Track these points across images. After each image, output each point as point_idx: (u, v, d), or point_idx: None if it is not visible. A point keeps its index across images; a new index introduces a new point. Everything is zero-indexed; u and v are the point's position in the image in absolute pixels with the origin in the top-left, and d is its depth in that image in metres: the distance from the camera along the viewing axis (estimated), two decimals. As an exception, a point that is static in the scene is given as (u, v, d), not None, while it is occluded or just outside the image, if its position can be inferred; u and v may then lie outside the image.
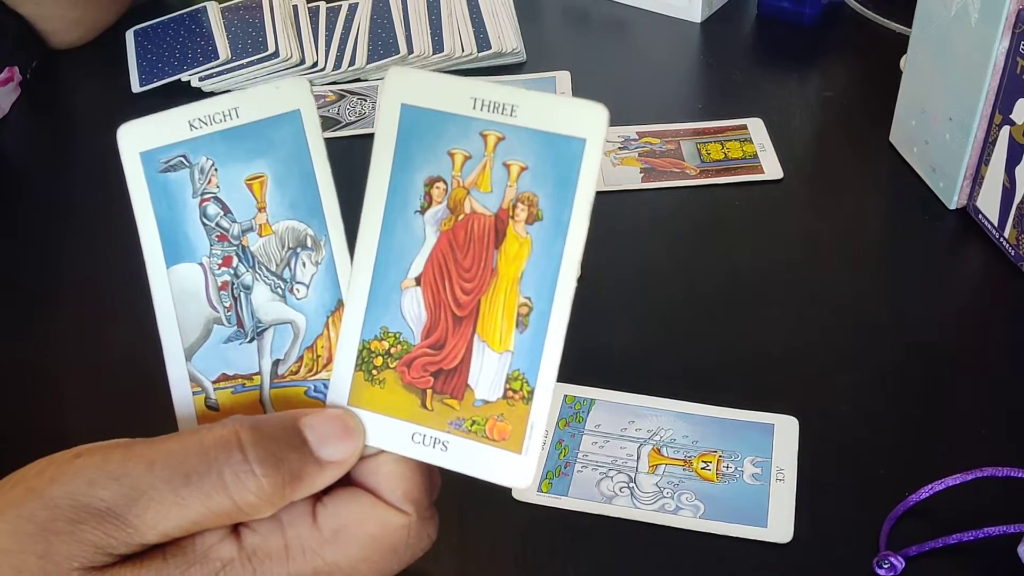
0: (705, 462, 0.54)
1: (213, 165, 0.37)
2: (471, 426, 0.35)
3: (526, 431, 0.34)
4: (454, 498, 0.52)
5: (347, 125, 0.80)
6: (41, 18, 0.89)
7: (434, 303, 0.35)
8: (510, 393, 0.35)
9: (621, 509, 0.52)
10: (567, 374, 0.61)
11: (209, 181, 0.37)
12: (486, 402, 0.35)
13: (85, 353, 0.64)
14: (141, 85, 0.87)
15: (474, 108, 0.34)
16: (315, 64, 0.87)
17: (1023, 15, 0.59)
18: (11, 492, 0.33)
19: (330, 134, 0.79)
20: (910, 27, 0.70)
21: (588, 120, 0.33)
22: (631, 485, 0.53)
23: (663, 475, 0.53)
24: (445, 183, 0.35)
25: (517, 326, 0.34)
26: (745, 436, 0.55)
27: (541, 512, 0.52)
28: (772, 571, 0.50)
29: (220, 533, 0.34)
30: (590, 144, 0.33)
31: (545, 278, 0.34)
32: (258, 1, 0.93)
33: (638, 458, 0.54)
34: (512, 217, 0.34)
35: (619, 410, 0.57)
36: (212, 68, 0.86)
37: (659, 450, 0.55)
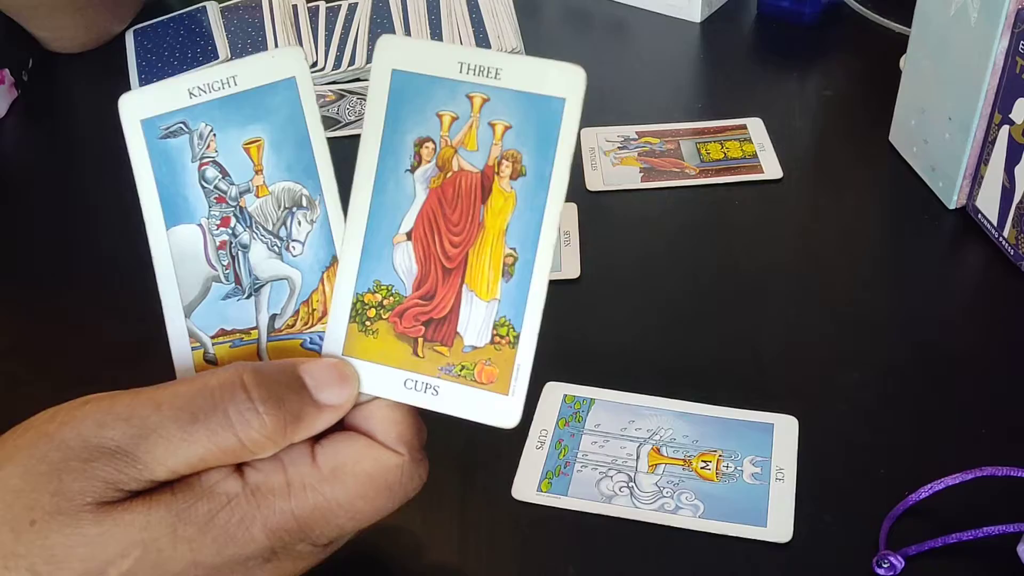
0: (705, 462, 0.54)
1: (212, 131, 0.38)
2: (460, 371, 0.37)
3: (512, 373, 0.36)
4: (454, 497, 0.53)
5: (347, 125, 0.80)
6: (38, 30, 0.89)
7: (424, 256, 0.37)
8: (497, 339, 0.36)
9: (621, 509, 0.52)
10: (567, 374, 0.62)
11: (208, 146, 0.38)
12: (474, 348, 0.37)
13: (84, 350, 0.64)
14: (141, 85, 0.87)
15: (460, 71, 0.35)
16: (315, 64, 0.87)
17: (1023, 15, 0.59)
18: (22, 437, 0.34)
19: (330, 134, 0.79)
20: (910, 27, 0.70)
21: (567, 81, 0.35)
22: (631, 485, 0.53)
23: (663, 475, 0.53)
24: (434, 143, 0.36)
25: (503, 275, 0.36)
26: (745, 436, 0.55)
27: (541, 512, 0.52)
28: (772, 571, 0.50)
29: (225, 471, 0.36)
30: (569, 103, 0.35)
31: (529, 229, 0.36)
32: (258, 1, 0.93)
33: (638, 458, 0.54)
34: (497, 173, 0.36)
35: (619, 410, 0.57)
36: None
37: (659, 450, 0.55)
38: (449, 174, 0.36)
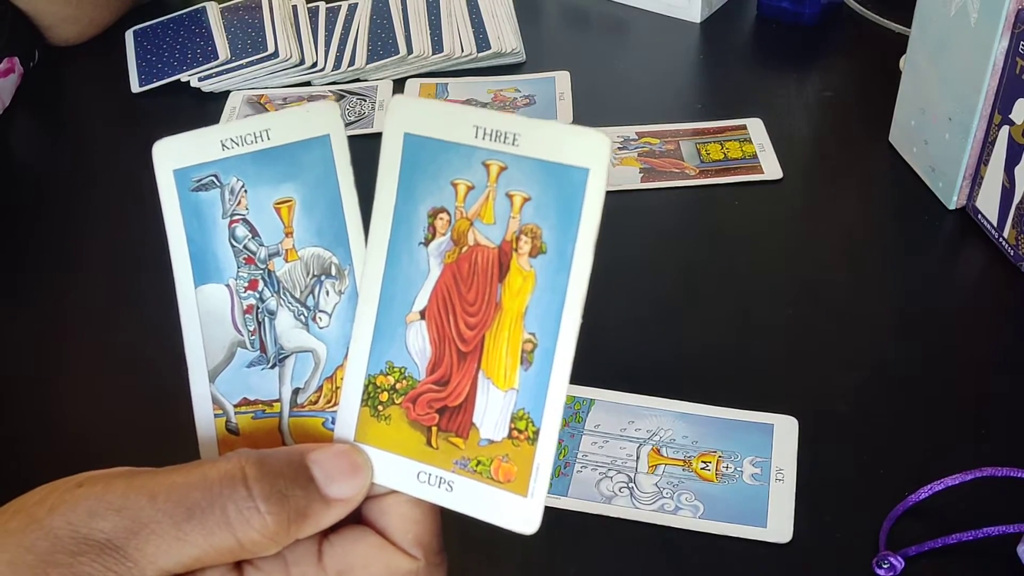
0: (705, 462, 0.54)
1: (243, 186, 0.37)
2: (476, 466, 0.34)
3: (532, 473, 0.33)
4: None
5: (347, 125, 0.80)
6: (35, 13, 0.89)
7: (439, 338, 0.35)
8: (515, 433, 0.34)
9: (621, 509, 0.52)
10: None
11: (239, 202, 0.37)
12: (491, 442, 0.34)
13: (89, 350, 0.64)
14: (140, 85, 0.87)
15: (476, 136, 0.33)
16: (315, 64, 0.87)
17: (1023, 15, 0.59)
18: (12, 521, 0.33)
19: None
20: (910, 27, 0.70)
21: (590, 148, 0.32)
22: (631, 485, 0.53)
23: (663, 475, 0.53)
24: (448, 214, 0.34)
25: (522, 363, 0.34)
26: (745, 436, 0.55)
27: (541, 512, 0.52)
28: (772, 571, 0.50)
29: (222, 570, 0.33)
30: (593, 174, 0.32)
31: (550, 314, 0.33)
32: (258, 1, 0.93)
33: (637, 458, 0.54)
34: (516, 250, 0.33)
35: (619, 410, 0.57)
36: (212, 68, 0.86)
37: (659, 450, 0.55)
38: (464, 248, 0.34)
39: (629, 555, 0.51)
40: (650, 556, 0.50)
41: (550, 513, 0.52)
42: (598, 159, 0.32)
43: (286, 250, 0.37)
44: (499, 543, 0.51)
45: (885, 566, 0.48)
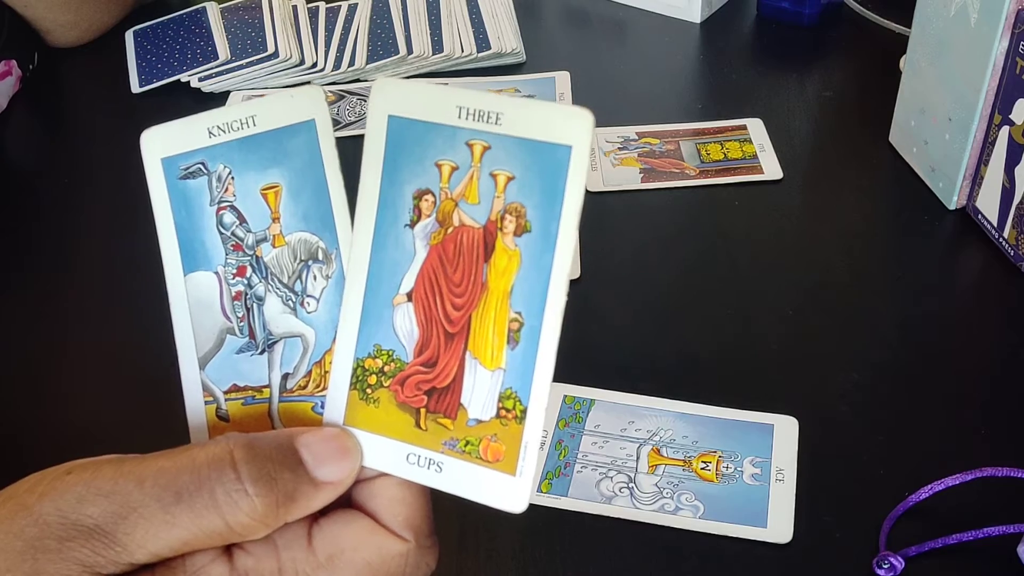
0: (705, 462, 0.54)
1: (230, 173, 0.37)
2: (465, 446, 0.34)
3: (520, 452, 0.34)
4: (453, 497, 0.53)
5: (347, 125, 0.80)
6: (34, 18, 0.89)
7: (426, 319, 0.35)
8: (503, 412, 0.34)
9: (621, 509, 0.52)
10: (567, 374, 0.62)
11: (226, 189, 0.37)
12: (479, 421, 0.34)
13: (86, 346, 0.64)
14: (141, 86, 0.87)
15: (459, 117, 0.33)
16: (315, 64, 0.87)
17: (1023, 15, 0.59)
18: (2, 508, 0.33)
19: (330, 134, 0.79)
20: (910, 27, 0.70)
21: (573, 127, 0.32)
22: (631, 485, 0.53)
23: (663, 475, 0.53)
24: (433, 195, 0.34)
25: (508, 342, 0.34)
26: (745, 436, 0.55)
27: (541, 512, 0.52)
28: (772, 571, 0.50)
29: (211, 554, 0.33)
30: (576, 152, 0.32)
31: (535, 292, 0.33)
32: (258, 1, 0.93)
33: (638, 458, 0.54)
34: (500, 229, 0.33)
35: (619, 410, 0.57)
36: (212, 68, 0.86)
37: (659, 450, 0.55)
38: (450, 229, 0.34)
39: (629, 555, 0.51)
40: (650, 556, 0.50)
41: (550, 513, 0.53)
42: (581, 136, 0.32)
43: (273, 236, 0.37)
44: (498, 543, 0.51)
45: (885, 566, 0.48)
